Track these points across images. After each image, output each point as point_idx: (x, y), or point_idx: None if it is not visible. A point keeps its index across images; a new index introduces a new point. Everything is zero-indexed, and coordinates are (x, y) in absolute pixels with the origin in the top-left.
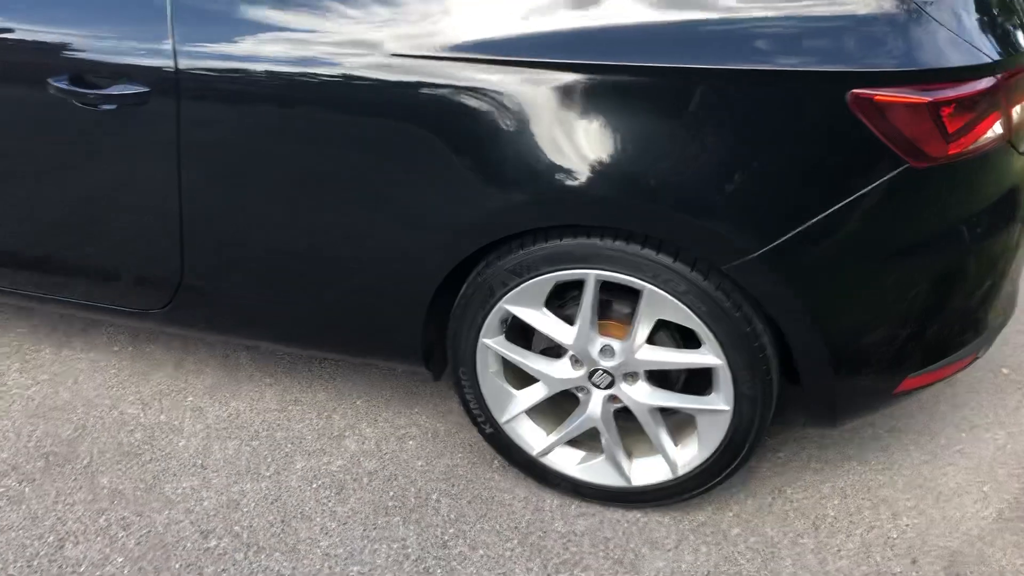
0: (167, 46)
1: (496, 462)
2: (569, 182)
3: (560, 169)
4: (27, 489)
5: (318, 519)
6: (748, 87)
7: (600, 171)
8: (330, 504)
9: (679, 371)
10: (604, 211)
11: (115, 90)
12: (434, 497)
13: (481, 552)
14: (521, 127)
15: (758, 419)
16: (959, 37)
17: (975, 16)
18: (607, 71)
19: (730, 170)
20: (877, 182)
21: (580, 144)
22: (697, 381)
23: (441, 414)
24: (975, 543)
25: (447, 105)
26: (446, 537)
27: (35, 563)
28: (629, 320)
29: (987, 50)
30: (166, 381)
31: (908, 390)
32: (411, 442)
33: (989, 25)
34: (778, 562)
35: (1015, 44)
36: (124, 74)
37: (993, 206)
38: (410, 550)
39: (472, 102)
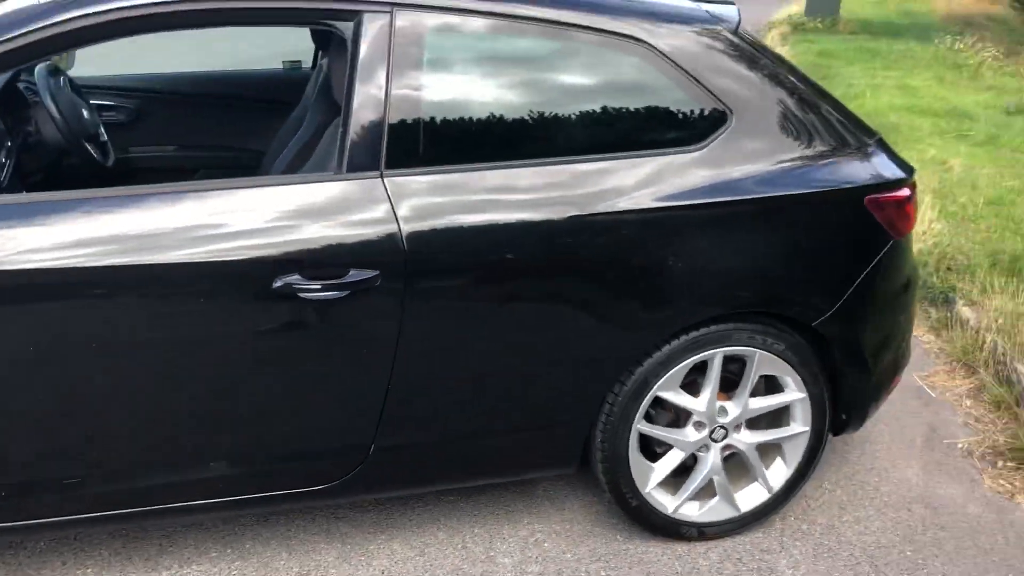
0: (394, 229)
1: (620, 536)
2: (731, 288)
3: (720, 282)
4: None
5: None
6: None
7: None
8: None
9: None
10: (756, 301)
11: (350, 277)
12: (603, 574)
13: None
14: (694, 254)
15: (826, 430)
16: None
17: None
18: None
19: (808, 267)
20: (881, 252)
21: (739, 257)
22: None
23: (546, 515)
24: None
25: (641, 247)
26: None
27: None
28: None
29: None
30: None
31: (893, 387)
32: (547, 544)
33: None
34: (838, 538)
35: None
36: (353, 263)
37: (913, 267)
38: None
39: (663, 241)
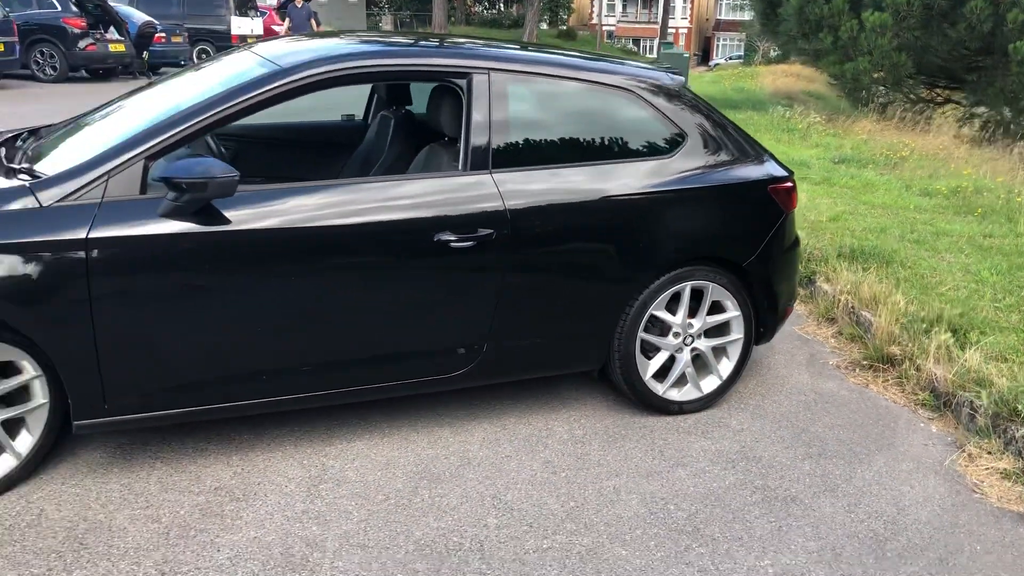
0: (500, 205)
1: (627, 413)
2: (693, 242)
3: (688, 238)
4: None
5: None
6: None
7: (708, 236)
8: (603, 449)
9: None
10: (709, 250)
11: (478, 234)
12: (623, 432)
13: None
14: (671, 220)
15: (752, 339)
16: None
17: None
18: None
19: (738, 229)
20: (780, 220)
21: (698, 222)
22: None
23: (578, 408)
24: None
25: (641, 216)
26: (661, 444)
27: None
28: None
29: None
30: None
31: (789, 313)
32: (583, 420)
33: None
34: (763, 410)
35: (789, 169)
36: (480, 225)
37: (796, 232)
38: (642, 454)
39: (653, 213)
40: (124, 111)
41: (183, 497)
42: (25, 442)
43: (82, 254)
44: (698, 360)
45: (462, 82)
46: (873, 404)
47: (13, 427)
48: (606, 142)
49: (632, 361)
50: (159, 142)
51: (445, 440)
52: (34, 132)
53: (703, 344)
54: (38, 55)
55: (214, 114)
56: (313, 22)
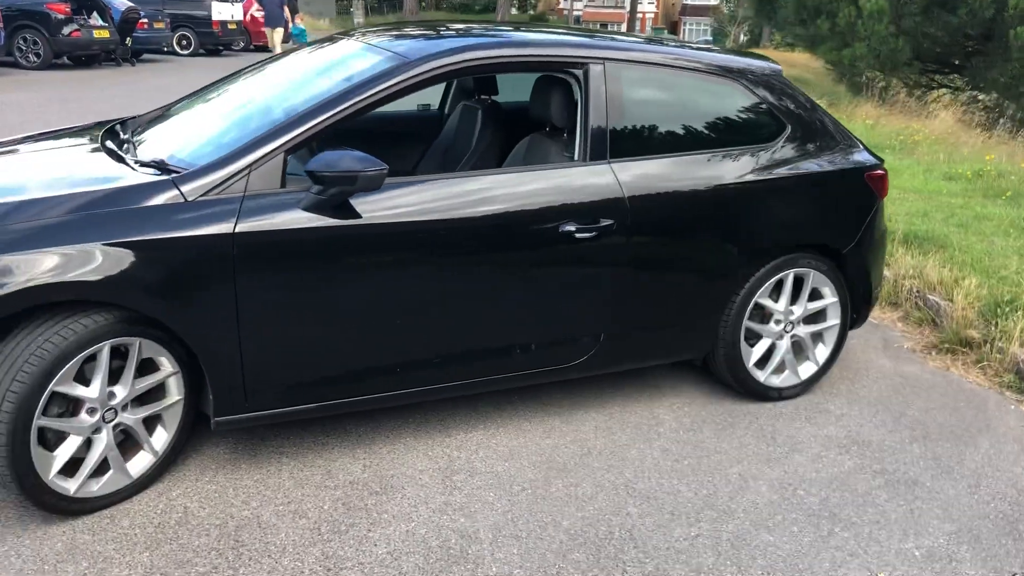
0: (621, 195)
1: (729, 400)
2: (797, 230)
3: (794, 225)
4: None
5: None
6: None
7: (811, 224)
8: (716, 436)
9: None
10: (811, 238)
11: (599, 224)
12: (728, 419)
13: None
14: (776, 209)
15: (847, 324)
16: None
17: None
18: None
19: (839, 216)
20: (875, 207)
21: (801, 210)
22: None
23: (678, 397)
24: None
25: (747, 204)
26: (770, 431)
27: None
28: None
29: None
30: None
31: (876, 299)
32: (687, 408)
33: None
34: (856, 395)
35: (879, 157)
36: (601, 215)
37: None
38: (755, 441)
39: (759, 201)
40: (228, 100)
41: (321, 492)
42: (161, 439)
43: (229, 249)
44: (793, 347)
45: (579, 72)
46: (958, 387)
47: (149, 424)
48: (715, 131)
49: (737, 348)
50: (298, 135)
51: (559, 430)
52: (123, 123)
53: (802, 331)
54: (21, 41)
55: (349, 105)
56: (287, 8)
